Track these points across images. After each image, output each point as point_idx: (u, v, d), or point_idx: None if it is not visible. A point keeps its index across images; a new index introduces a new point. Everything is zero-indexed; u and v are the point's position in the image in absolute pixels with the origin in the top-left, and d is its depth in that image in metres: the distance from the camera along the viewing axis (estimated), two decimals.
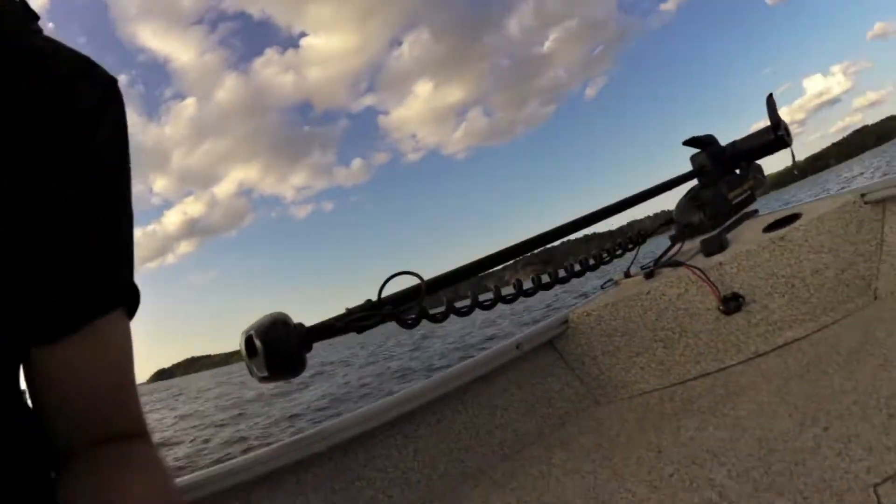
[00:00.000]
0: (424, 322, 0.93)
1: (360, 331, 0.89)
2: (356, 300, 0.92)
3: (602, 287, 1.40)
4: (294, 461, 0.89)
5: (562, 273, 1.13)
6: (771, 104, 1.40)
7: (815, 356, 1.01)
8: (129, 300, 0.42)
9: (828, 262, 1.14)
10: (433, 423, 1.07)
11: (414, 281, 0.95)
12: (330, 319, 0.87)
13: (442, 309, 0.97)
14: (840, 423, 0.76)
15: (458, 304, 0.99)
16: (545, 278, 1.12)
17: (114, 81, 0.41)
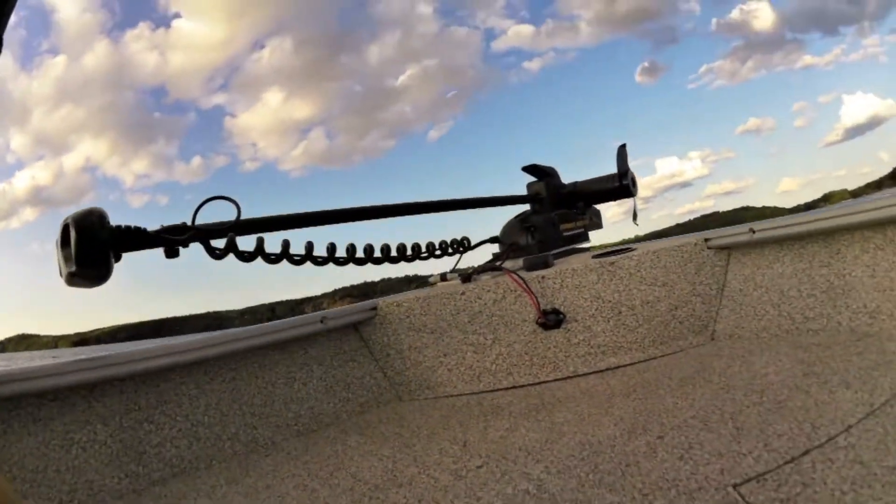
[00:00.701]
0: None
1: (170, 248, 0.89)
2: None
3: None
4: (85, 381, 0.85)
5: (377, 254, 1.15)
6: (622, 154, 1.48)
7: (643, 381, 0.99)
8: None
9: (660, 296, 1.15)
10: (228, 380, 1.03)
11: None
12: (145, 229, 0.86)
13: (251, 249, 0.97)
14: (677, 433, 0.72)
15: (269, 251, 1.00)
16: (359, 254, 1.13)
17: None
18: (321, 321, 1.15)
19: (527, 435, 0.83)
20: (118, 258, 0.83)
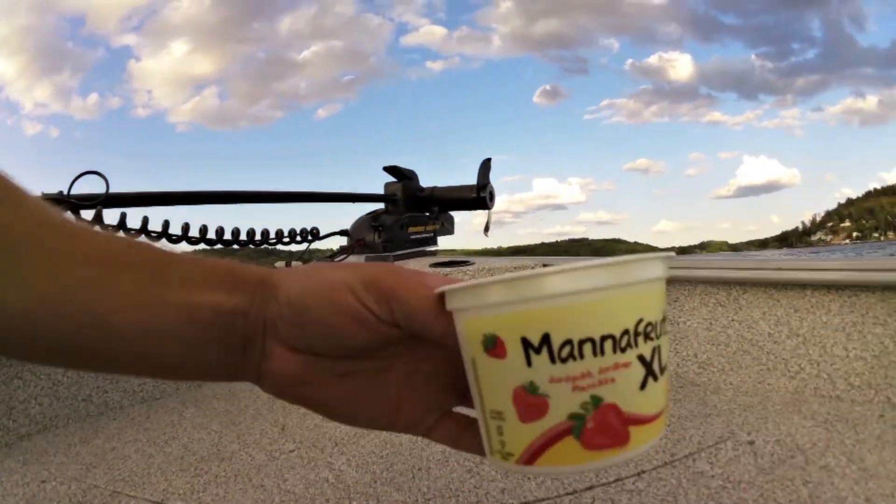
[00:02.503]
0: None
1: None
2: None
3: None
4: None
5: (227, 237, 1.19)
6: (484, 167, 1.55)
7: None
8: None
9: None
10: None
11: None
12: None
13: (114, 223, 1.00)
14: (469, 456, 0.78)
15: (130, 227, 1.03)
16: (210, 235, 1.17)
17: None
18: None
19: (338, 427, 0.92)
20: None
